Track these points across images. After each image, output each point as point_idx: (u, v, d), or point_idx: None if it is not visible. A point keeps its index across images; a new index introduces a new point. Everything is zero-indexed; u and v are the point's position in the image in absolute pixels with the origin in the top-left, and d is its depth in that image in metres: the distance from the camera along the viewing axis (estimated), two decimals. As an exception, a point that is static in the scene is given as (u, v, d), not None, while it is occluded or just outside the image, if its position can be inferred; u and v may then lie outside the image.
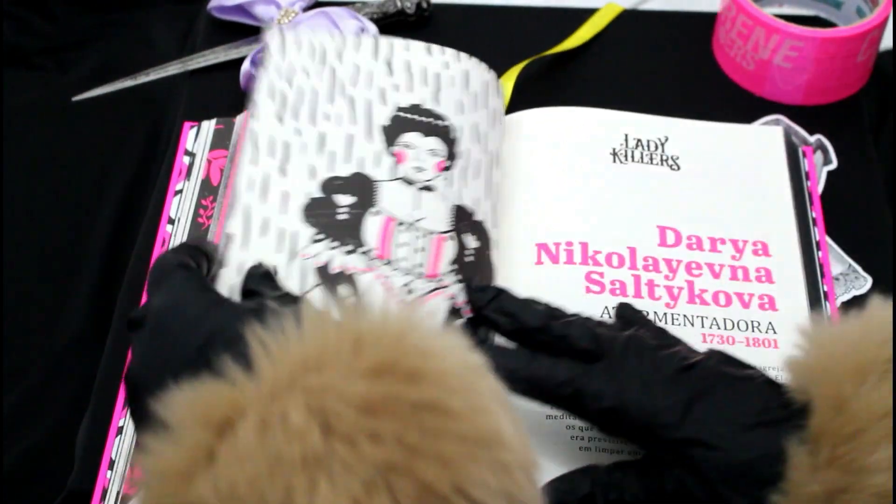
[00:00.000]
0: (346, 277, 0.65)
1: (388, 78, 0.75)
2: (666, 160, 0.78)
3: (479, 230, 0.70)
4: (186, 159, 0.80)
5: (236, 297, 0.61)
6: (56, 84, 0.91)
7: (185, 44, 0.93)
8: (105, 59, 0.92)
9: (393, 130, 0.72)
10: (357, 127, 0.72)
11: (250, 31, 0.90)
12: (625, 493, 0.57)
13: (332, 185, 0.69)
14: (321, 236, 0.66)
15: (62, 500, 0.67)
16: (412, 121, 0.73)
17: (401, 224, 0.68)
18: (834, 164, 0.83)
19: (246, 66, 0.86)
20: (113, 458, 0.66)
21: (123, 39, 0.95)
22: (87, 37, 0.95)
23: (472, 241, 0.69)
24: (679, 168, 0.78)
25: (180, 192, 0.78)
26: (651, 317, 0.70)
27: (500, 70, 0.86)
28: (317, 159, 0.70)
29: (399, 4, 0.91)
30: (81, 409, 0.71)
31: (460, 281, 0.66)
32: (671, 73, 0.89)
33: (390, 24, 0.92)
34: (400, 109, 0.73)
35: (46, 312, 0.79)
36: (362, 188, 0.69)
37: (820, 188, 0.81)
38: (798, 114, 0.85)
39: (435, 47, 0.78)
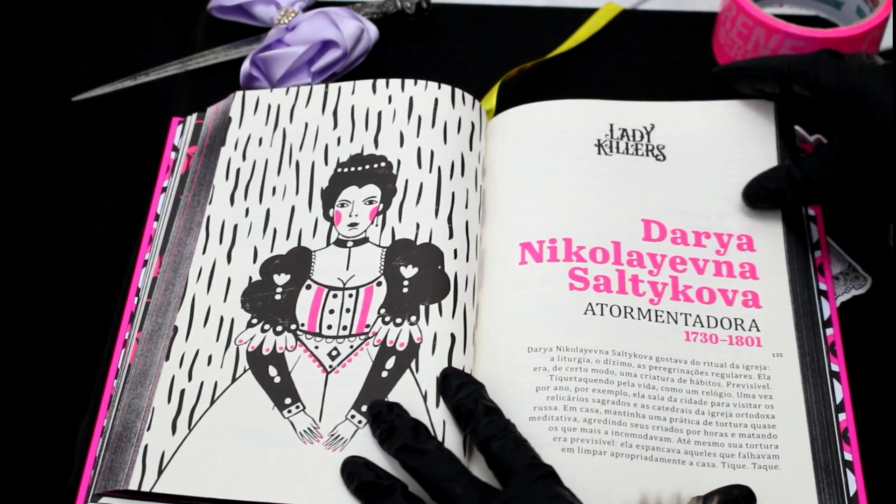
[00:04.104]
0: (275, 358, 0.68)
1: (332, 132, 0.77)
2: (651, 150, 0.78)
3: (422, 253, 0.71)
4: (173, 155, 0.81)
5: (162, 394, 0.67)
6: (56, 84, 0.91)
7: (185, 44, 0.93)
8: (105, 59, 0.92)
9: (331, 191, 0.75)
10: (299, 197, 0.75)
11: (250, 31, 0.90)
12: (813, 176, 0.71)
13: (271, 267, 0.72)
14: (255, 320, 0.69)
15: (62, 500, 0.67)
16: (349, 174, 0.75)
17: (331, 291, 0.70)
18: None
19: (246, 66, 0.86)
20: (97, 456, 0.66)
21: (123, 39, 0.95)
22: (87, 37, 0.95)
23: (409, 271, 0.70)
24: (665, 158, 0.77)
25: (166, 188, 0.78)
26: (635, 313, 0.70)
27: (498, 70, 0.86)
28: (260, 241, 0.73)
29: (399, 4, 0.91)
30: (81, 409, 0.71)
31: (391, 320, 0.68)
32: (671, 73, 0.89)
33: (390, 24, 0.92)
34: (339, 165, 0.76)
35: (46, 312, 0.79)
36: (299, 263, 0.72)
37: (820, 188, 0.81)
38: (798, 112, 0.85)
39: (381, 83, 0.79)
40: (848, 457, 0.66)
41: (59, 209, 0.84)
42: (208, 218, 0.75)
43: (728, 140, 0.78)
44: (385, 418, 0.63)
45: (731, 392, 0.67)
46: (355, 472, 0.62)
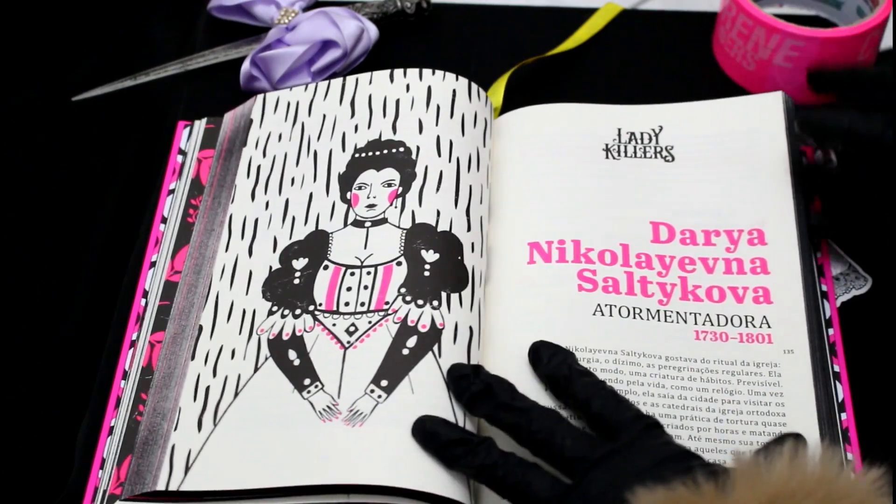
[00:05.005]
0: (294, 341, 0.67)
1: (350, 121, 0.77)
2: (660, 152, 0.77)
3: (443, 241, 0.70)
4: (180, 158, 0.81)
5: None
6: (56, 84, 0.91)
7: (185, 44, 0.93)
8: (105, 59, 0.92)
9: (348, 176, 0.74)
10: (317, 184, 0.74)
11: (250, 31, 0.90)
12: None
13: (289, 253, 0.72)
14: (275, 307, 0.69)
15: (62, 500, 0.67)
16: (367, 159, 0.75)
17: (348, 269, 0.70)
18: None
19: (246, 66, 0.86)
20: (104, 457, 0.66)
21: (123, 39, 0.95)
22: (87, 37, 0.95)
23: (430, 256, 0.69)
24: (673, 159, 0.77)
25: (173, 191, 0.78)
26: (644, 314, 0.70)
27: (498, 70, 0.86)
28: (279, 231, 0.73)
29: (399, 4, 0.91)
30: (81, 409, 0.71)
31: (412, 300, 0.68)
32: (671, 73, 0.89)
33: (390, 24, 0.91)
34: (357, 151, 0.75)
35: (46, 312, 0.79)
36: (316, 246, 0.71)
37: (820, 188, 0.81)
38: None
39: (398, 72, 0.79)
40: (848, 456, 0.66)
41: (59, 209, 0.84)
42: (230, 216, 0.75)
43: (737, 136, 0.77)
44: (474, 380, 0.63)
45: (741, 390, 0.67)
46: (438, 430, 0.62)
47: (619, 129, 0.79)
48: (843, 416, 0.68)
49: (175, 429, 0.65)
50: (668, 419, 0.66)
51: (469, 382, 0.63)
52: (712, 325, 0.70)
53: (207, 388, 0.67)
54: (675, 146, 0.78)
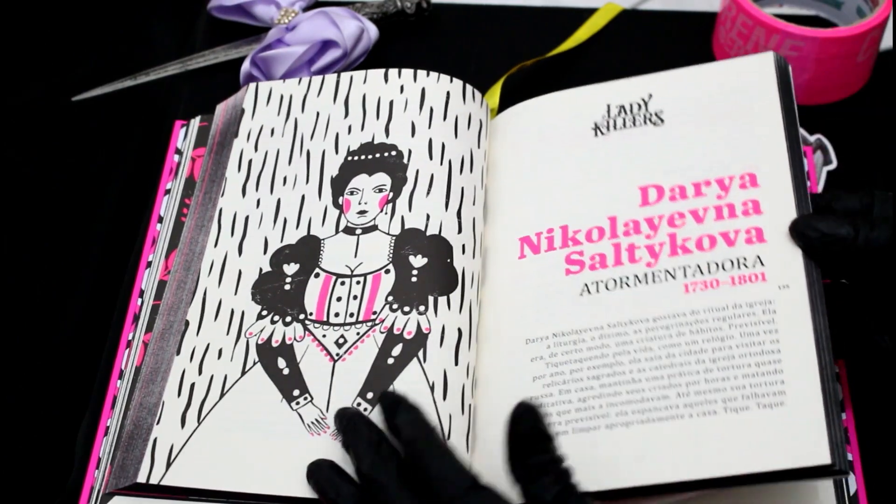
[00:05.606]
0: (284, 349, 0.67)
1: (344, 121, 0.77)
2: (650, 118, 0.76)
3: (432, 245, 0.70)
4: (176, 158, 0.81)
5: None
6: (56, 84, 0.91)
7: (185, 44, 0.93)
8: (105, 59, 0.92)
9: (341, 180, 0.74)
10: (309, 186, 0.74)
11: (250, 31, 0.90)
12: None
13: (280, 257, 0.71)
14: (265, 312, 0.69)
15: (61, 500, 0.67)
16: (359, 162, 0.75)
17: (339, 278, 0.70)
18: (834, 164, 0.83)
19: (246, 66, 0.86)
20: (101, 457, 0.67)
21: (123, 39, 0.95)
22: (87, 37, 0.95)
23: (418, 261, 0.69)
24: (663, 122, 0.75)
25: (169, 191, 0.78)
26: (631, 281, 0.68)
27: (498, 70, 0.86)
28: (270, 232, 0.73)
29: (399, 4, 0.91)
30: (81, 409, 0.71)
31: (398, 308, 0.68)
32: (671, 73, 0.89)
33: (390, 24, 0.92)
34: (350, 154, 0.75)
35: (46, 312, 0.79)
36: (308, 252, 0.71)
37: (820, 188, 0.81)
38: (798, 113, 0.85)
39: (393, 72, 0.79)
40: (848, 457, 0.66)
41: (60, 209, 0.84)
42: (220, 210, 0.75)
43: (727, 94, 0.75)
44: (345, 435, 0.62)
45: (733, 334, 0.64)
46: (320, 484, 0.61)
47: (609, 105, 0.77)
48: (843, 416, 0.67)
49: (157, 422, 0.65)
50: (655, 382, 0.64)
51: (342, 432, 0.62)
52: (702, 274, 0.67)
53: (192, 385, 0.67)
54: (665, 110, 0.76)
